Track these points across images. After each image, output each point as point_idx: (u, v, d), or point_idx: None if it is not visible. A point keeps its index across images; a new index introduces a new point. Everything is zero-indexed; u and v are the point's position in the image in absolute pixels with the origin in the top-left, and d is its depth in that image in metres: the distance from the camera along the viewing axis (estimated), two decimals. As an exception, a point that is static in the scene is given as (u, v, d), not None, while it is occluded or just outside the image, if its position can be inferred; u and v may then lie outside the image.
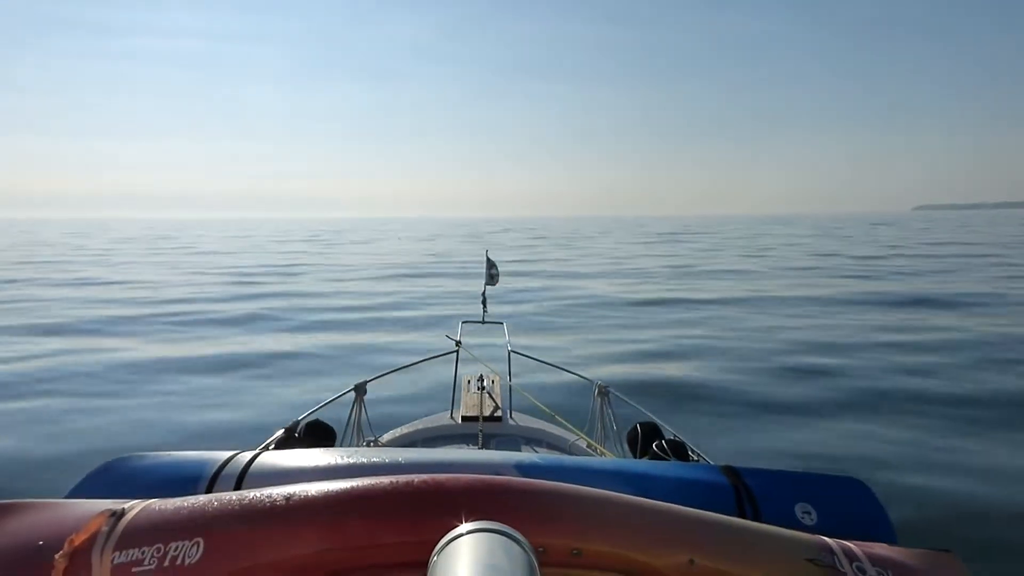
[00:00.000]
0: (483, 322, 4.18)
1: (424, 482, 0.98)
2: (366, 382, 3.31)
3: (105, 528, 0.96)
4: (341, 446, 2.79)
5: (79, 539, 0.94)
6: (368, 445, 2.95)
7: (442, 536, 0.80)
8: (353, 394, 3.23)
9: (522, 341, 5.21)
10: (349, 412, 3.15)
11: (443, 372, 3.77)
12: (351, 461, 1.34)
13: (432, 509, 0.94)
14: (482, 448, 2.78)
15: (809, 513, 1.26)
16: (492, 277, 4.34)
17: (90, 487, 1.31)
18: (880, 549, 1.05)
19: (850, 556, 1.01)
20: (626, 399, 3.33)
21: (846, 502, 1.31)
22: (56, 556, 0.92)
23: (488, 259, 4.38)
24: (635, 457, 2.49)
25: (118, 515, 0.98)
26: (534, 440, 2.99)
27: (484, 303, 4.24)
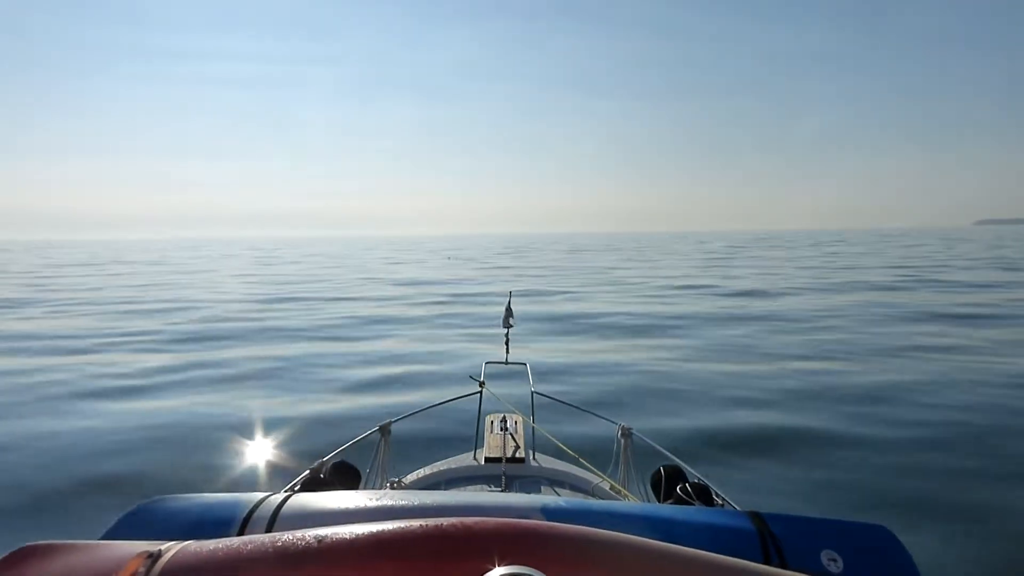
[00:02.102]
0: (506, 363, 4.20)
1: (453, 525, 1.00)
2: (391, 422, 3.33)
3: (142, 570, 0.98)
4: (366, 487, 2.81)
5: None
6: (392, 486, 2.96)
7: None
8: (378, 434, 3.25)
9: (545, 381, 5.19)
10: (374, 452, 3.18)
11: (467, 413, 3.79)
12: (381, 504, 1.36)
13: (462, 553, 0.96)
14: (505, 489, 2.78)
15: (835, 560, 1.25)
16: (506, 319, 4.37)
17: (124, 529, 1.35)
18: None
19: None
20: (650, 441, 3.31)
21: (873, 550, 1.30)
22: None
23: (509, 302, 4.42)
24: (659, 500, 2.48)
25: (155, 556, 1.00)
26: (557, 482, 2.98)
27: (507, 344, 4.27)
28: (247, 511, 1.36)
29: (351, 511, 1.34)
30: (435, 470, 3.10)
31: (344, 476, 2.57)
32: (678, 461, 2.72)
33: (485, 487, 2.84)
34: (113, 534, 1.33)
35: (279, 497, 1.41)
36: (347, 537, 1.00)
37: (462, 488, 2.83)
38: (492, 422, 3.49)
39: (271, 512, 1.35)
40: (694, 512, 1.41)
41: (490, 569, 0.82)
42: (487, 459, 3.12)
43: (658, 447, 3.19)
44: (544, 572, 0.81)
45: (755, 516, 1.36)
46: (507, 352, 4.22)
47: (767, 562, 1.22)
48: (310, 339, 13.73)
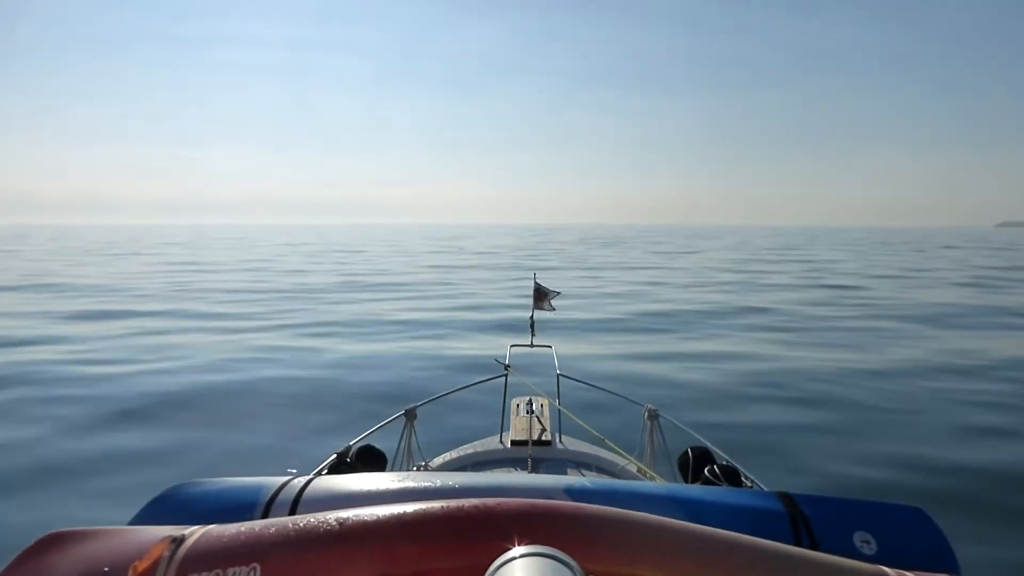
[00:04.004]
0: (531, 346, 4.18)
1: (475, 507, 0.99)
2: (416, 407, 3.34)
3: (166, 554, 0.99)
4: (392, 470, 2.82)
5: (142, 565, 0.97)
6: (419, 469, 2.97)
7: (493, 560, 0.81)
8: (404, 419, 3.26)
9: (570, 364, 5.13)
10: (400, 436, 3.19)
11: (493, 396, 3.79)
12: (403, 486, 1.35)
13: (483, 534, 0.95)
14: (532, 472, 2.77)
15: (868, 542, 1.22)
16: (546, 302, 4.36)
17: (151, 514, 1.36)
18: None
19: None
20: (677, 422, 3.28)
21: (907, 531, 1.26)
22: None
23: (536, 284, 4.39)
24: (686, 482, 2.45)
25: (178, 541, 1.01)
26: (583, 464, 2.97)
27: (532, 327, 4.25)
28: (271, 494, 1.36)
29: (374, 494, 1.33)
30: (461, 454, 3.10)
31: (370, 460, 2.57)
32: (706, 442, 2.69)
33: (511, 470, 2.84)
34: (139, 520, 1.34)
35: (302, 480, 1.41)
36: (368, 520, 0.99)
37: (489, 471, 2.83)
38: (518, 405, 3.48)
39: (294, 495, 1.35)
40: (721, 493, 1.39)
41: (510, 549, 0.81)
42: (513, 442, 3.11)
43: (685, 428, 3.16)
44: (565, 551, 0.79)
45: (785, 497, 1.33)
46: (532, 335, 4.21)
47: (798, 544, 1.19)
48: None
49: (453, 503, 1.00)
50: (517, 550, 0.79)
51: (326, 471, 2.40)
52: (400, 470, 3.04)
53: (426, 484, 1.36)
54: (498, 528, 0.94)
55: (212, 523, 1.08)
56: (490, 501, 1.00)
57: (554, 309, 4.47)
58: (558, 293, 4.49)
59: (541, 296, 4.39)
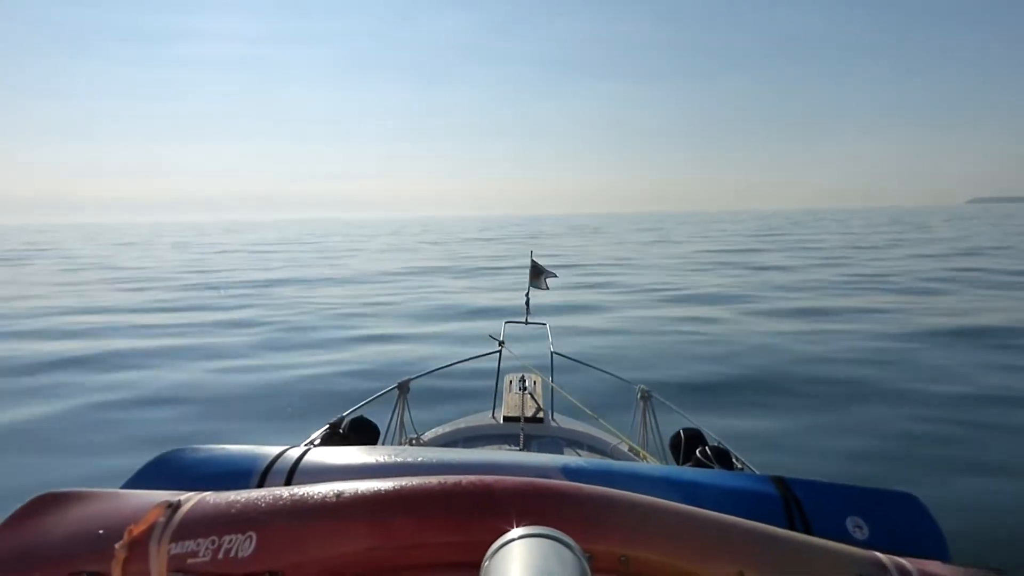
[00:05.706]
0: (526, 323, 4.19)
1: (472, 483, 0.99)
2: (409, 380, 3.35)
3: (162, 519, 0.98)
4: (384, 443, 2.83)
5: (138, 529, 0.97)
6: (411, 442, 2.99)
7: (490, 538, 0.81)
8: (396, 391, 3.27)
9: (565, 343, 5.08)
10: (392, 409, 3.20)
11: (486, 372, 3.80)
12: (398, 460, 1.35)
13: (481, 511, 0.95)
14: (523, 448, 2.79)
15: (861, 527, 1.23)
16: (541, 280, 4.36)
17: (146, 478, 1.35)
18: (933, 567, 1.03)
19: (903, 573, 0.99)
20: (669, 404, 3.30)
21: (899, 517, 1.28)
22: (116, 545, 0.95)
23: (533, 261, 4.39)
24: (677, 463, 2.47)
25: (174, 507, 1.01)
26: (575, 442, 2.99)
27: (527, 304, 4.25)
28: (266, 464, 1.36)
29: (369, 466, 1.33)
30: (453, 428, 3.12)
31: (362, 432, 2.59)
32: (698, 424, 2.70)
33: (503, 446, 2.85)
34: (134, 483, 1.34)
35: (298, 451, 1.41)
36: (365, 492, 0.99)
37: (480, 447, 2.84)
38: (511, 382, 3.50)
39: (290, 465, 1.35)
40: (716, 475, 1.39)
41: (508, 529, 0.81)
42: (506, 418, 3.13)
43: (678, 410, 3.18)
44: (564, 532, 0.79)
45: (778, 481, 1.34)
46: (527, 312, 4.21)
47: (791, 527, 1.20)
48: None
49: (451, 479, 1.00)
50: (518, 531, 0.79)
51: (319, 441, 2.41)
52: (392, 442, 3.06)
53: (422, 459, 1.36)
54: (496, 506, 0.94)
55: (208, 490, 1.08)
56: (488, 478, 1.00)
57: (549, 288, 4.46)
58: (554, 275, 4.47)
59: (536, 274, 4.38)
